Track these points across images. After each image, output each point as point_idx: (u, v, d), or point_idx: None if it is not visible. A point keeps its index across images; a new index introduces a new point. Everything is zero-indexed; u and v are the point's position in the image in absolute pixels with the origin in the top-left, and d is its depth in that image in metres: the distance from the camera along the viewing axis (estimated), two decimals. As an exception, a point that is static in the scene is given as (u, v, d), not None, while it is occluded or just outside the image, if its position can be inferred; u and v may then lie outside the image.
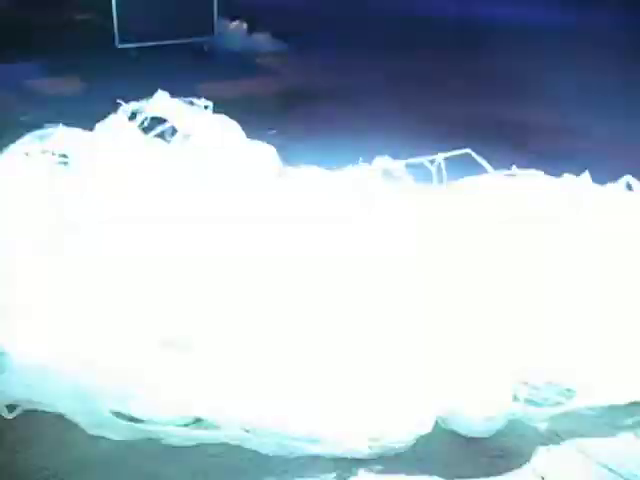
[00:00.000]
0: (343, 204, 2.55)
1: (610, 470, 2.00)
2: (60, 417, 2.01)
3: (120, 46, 5.81)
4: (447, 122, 4.40)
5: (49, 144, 2.33)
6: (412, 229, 2.50)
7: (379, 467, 2.02)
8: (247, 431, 1.96)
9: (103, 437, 1.97)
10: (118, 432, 1.97)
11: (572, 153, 3.81)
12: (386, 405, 2.01)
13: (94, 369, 1.89)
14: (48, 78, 5.34)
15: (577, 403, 2.11)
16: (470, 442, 2.07)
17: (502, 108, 4.70)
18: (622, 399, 2.11)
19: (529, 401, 2.10)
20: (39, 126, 2.43)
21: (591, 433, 2.09)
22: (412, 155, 3.07)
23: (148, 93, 2.62)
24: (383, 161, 3.04)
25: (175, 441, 1.98)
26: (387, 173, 3.05)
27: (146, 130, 2.45)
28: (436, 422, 2.06)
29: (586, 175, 2.92)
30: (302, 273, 2.16)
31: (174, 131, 2.40)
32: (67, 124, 2.47)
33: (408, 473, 2.01)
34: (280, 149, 2.81)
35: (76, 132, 2.35)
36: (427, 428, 2.03)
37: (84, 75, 5.31)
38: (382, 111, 4.59)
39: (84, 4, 6.30)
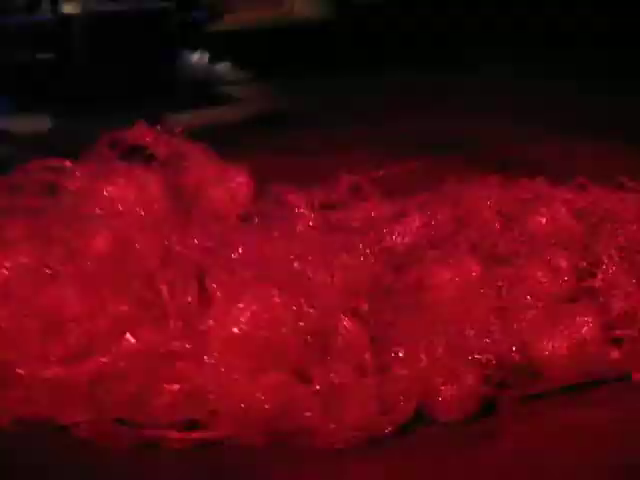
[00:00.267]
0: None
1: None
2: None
3: (83, 83, 5.93)
4: (409, 139, 4.60)
5: (37, 175, 2.47)
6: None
7: (362, 456, 2.18)
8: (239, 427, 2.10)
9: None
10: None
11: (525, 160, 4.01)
12: (365, 395, 2.16)
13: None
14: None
15: (545, 384, 2.29)
16: (448, 426, 2.24)
17: (454, 121, 4.93)
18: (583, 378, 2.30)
19: (501, 384, 2.28)
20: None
21: (557, 411, 2.29)
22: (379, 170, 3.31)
23: (115, 125, 2.79)
24: (349, 178, 3.26)
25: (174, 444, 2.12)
26: (354, 189, 3.27)
27: (127, 158, 2.59)
28: (415, 409, 2.22)
29: (540, 179, 3.16)
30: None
31: (153, 158, 2.55)
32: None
33: (391, 461, 2.17)
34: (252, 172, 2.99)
35: (62, 162, 2.49)
36: (406, 415, 2.19)
37: (52, 109, 5.43)
38: (348, 132, 4.80)
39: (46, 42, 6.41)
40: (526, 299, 2.40)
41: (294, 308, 2.16)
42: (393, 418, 2.18)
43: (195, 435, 2.11)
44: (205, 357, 2.09)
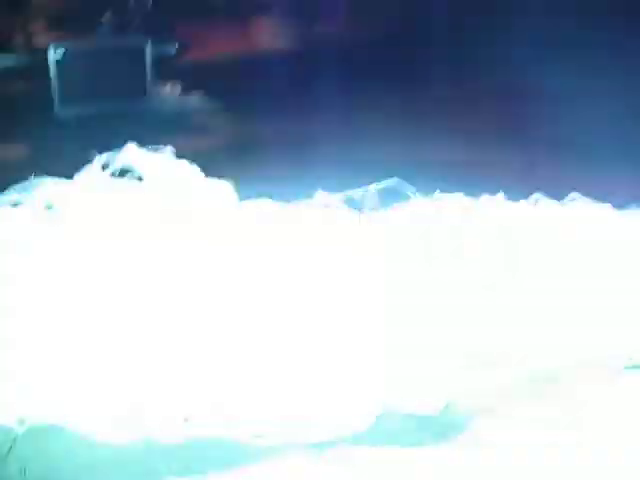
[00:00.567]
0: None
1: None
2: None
3: (58, 111, 6.09)
4: (375, 161, 4.84)
5: (33, 195, 2.64)
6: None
7: (342, 449, 2.37)
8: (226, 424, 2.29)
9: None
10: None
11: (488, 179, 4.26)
12: (343, 393, 2.36)
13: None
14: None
15: (505, 378, 2.50)
16: (420, 419, 2.44)
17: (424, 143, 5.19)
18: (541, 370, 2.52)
19: (467, 379, 2.49)
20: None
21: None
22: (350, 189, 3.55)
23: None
24: (323, 196, 3.49)
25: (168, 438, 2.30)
26: (327, 205, 3.49)
27: (117, 177, 2.78)
28: (389, 404, 2.42)
29: (501, 195, 3.42)
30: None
31: (143, 177, 2.73)
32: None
33: (369, 452, 2.36)
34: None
35: (58, 182, 2.67)
36: (381, 410, 2.39)
37: (24, 140, 5.57)
38: (316, 156, 5.02)
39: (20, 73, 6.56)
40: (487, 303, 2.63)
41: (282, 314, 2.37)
42: (369, 410, 2.39)
43: (186, 430, 2.29)
44: (198, 355, 2.28)
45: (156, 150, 2.81)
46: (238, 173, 4.63)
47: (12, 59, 6.19)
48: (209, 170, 4.45)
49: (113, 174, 2.73)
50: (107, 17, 6.86)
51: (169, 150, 2.86)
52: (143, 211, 2.56)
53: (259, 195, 3.22)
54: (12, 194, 2.66)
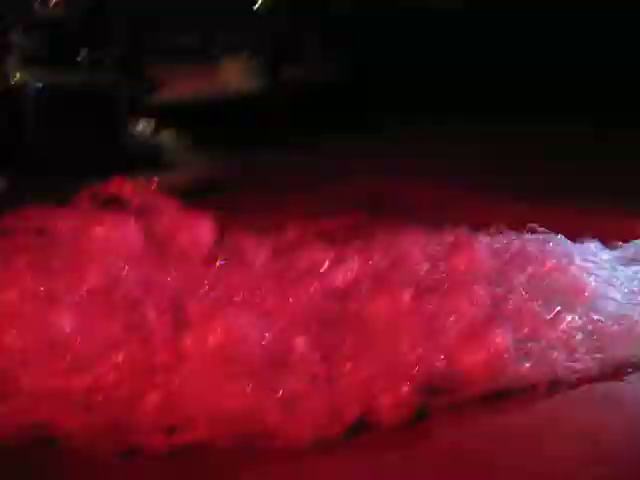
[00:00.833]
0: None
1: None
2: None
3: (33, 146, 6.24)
4: (344, 197, 5.09)
5: (25, 221, 2.83)
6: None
7: (316, 455, 2.55)
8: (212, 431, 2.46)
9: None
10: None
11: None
12: (318, 402, 2.55)
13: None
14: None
15: (468, 392, 2.72)
16: (388, 429, 2.63)
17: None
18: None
19: (430, 391, 2.69)
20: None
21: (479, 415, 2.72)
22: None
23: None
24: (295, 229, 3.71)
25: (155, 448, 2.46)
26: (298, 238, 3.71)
27: (104, 208, 2.97)
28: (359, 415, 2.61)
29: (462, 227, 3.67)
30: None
31: (129, 208, 2.93)
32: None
33: (341, 459, 2.54)
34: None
35: (48, 210, 2.86)
36: (352, 420, 2.58)
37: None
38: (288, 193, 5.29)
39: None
40: (448, 322, 2.85)
41: (257, 329, 2.56)
42: (341, 422, 2.57)
43: (174, 440, 2.46)
44: (182, 370, 2.46)
45: (142, 182, 2.99)
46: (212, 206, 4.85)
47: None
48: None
49: (101, 203, 2.91)
50: (82, 56, 7.09)
51: (154, 182, 3.04)
52: (133, 237, 2.74)
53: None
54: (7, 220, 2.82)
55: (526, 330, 2.93)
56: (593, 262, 3.43)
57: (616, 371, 2.90)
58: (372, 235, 3.68)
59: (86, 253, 2.60)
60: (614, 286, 3.28)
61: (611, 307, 3.13)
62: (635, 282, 3.41)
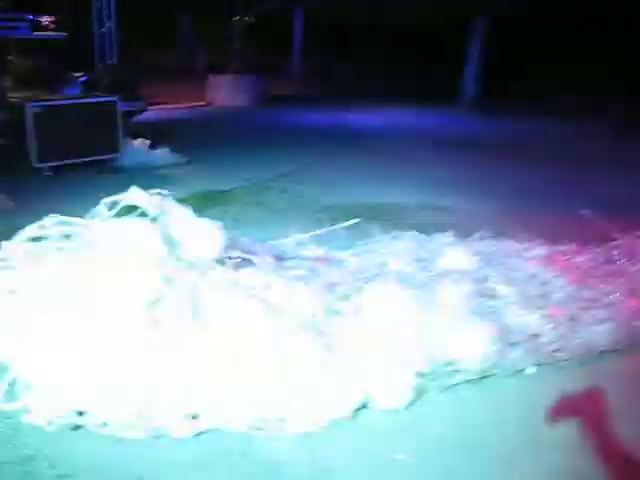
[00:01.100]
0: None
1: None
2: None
3: (36, 166, 6.47)
4: (336, 209, 5.37)
5: (53, 229, 3.07)
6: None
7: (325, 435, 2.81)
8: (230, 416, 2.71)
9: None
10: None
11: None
12: (326, 388, 2.81)
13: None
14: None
15: (460, 376, 2.99)
16: (391, 412, 2.90)
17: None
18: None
19: (428, 377, 2.96)
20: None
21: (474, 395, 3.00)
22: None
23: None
24: (296, 235, 3.99)
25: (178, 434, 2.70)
26: (299, 243, 3.98)
27: (121, 216, 3.21)
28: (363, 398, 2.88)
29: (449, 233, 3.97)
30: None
31: (145, 215, 3.17)
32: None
33: (352, 440, 2.80)
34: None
35: (72, 219, 3.11)
36: (357, 403, 2.85)
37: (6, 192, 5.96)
38: (280, 205, 5.56)
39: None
40: (440, 313, 3.12)
41: (268, 323, 2.82)
42: (347, 405, 2.84)
43: (197, 424, 2.71)
44: (202, 362, 2.71)
45: (157, 193, 3.23)
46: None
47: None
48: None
49: (118, 213, 3.15)
50: (81, 76, 7.35)
51: (168, 193, 3.28)
52: (152, 241, 2.97)
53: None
54: (31, 229, 3.06)
55: (510, 321, 3.21)
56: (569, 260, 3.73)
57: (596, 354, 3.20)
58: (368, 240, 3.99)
59: (112, 254, 2.84)
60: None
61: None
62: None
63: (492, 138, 9.13)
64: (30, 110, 6.30)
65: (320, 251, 3.84)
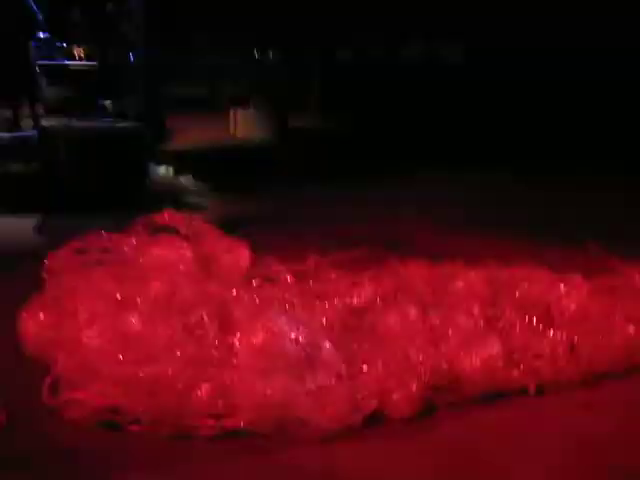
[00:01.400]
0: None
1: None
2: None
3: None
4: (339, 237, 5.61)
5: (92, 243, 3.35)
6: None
7: (338, 442, 3.03)
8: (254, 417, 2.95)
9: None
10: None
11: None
12: (341, 396, 3.04)
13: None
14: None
15: (467, 391, 3.22)
16: (399, 421, 3.12)
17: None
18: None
19: (437, 390, 3.19)
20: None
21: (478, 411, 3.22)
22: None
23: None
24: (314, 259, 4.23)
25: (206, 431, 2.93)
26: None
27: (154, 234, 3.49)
28: (375, 408, 3.10)
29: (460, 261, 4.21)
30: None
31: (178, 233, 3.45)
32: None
33: (359, 446, 3.02)
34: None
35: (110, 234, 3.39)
36: (369, 412, 3.07)
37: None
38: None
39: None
40: (449, 333, 3.36)
41: (293, 332, 3.07)
42: (360, 414, 3.06)
43: (223, 424, 2.94)
44: (230, 364, 2.96)
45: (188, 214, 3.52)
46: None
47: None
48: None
49: (153, 232, 3.44)
50: (109, 104, 7.69)
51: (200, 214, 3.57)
52: (186, 256, 3.25)
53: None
54: (75, 242, 3.34)
55: (515, 342, 3.44)
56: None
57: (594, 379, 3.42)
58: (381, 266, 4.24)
59: (148, 268, 3.11)
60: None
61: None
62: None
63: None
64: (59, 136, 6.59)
65: (339, 272, 4.08)
